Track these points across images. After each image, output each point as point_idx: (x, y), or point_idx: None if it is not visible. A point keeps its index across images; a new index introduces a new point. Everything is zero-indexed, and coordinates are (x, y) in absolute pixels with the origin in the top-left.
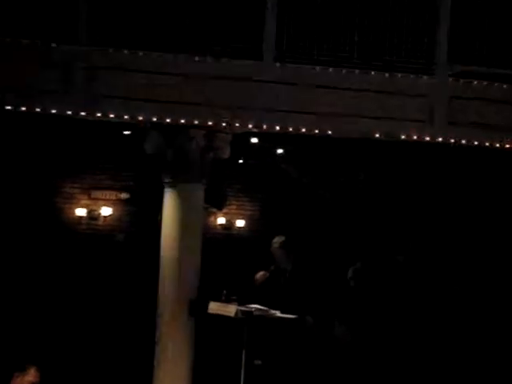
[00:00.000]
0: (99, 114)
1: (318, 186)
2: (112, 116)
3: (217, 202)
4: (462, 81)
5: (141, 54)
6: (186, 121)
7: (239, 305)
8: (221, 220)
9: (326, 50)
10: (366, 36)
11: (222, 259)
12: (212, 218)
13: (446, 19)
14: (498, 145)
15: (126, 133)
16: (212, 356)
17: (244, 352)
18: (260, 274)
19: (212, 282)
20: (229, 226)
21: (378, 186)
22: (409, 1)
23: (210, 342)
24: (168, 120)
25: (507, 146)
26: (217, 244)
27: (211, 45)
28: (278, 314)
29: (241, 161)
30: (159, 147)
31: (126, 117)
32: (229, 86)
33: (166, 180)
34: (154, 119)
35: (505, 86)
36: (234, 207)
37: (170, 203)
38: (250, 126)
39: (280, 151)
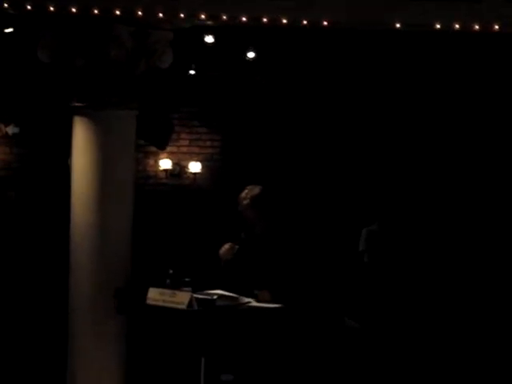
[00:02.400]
0: None
1: (311, 108)
2: None
3: (157, 137)
4: None
5: None
6: (101, 10)
7: (194, 291)
8: (165, 163)
9: None
10: None
11: (166, 223)
12: (151, 161)
13: None
14: None
15: (7, 31)
16: (156, 369)
17: (203, 361)
18: (226, 247)
19: (151, 259)
20: (177, 171)
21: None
22: None
23: (152, 350)
24: (74, 9)
25: None
26: (159, 200)
27: None
28: (254, 302)
29: (192, 71)
30: (62, 53)
31: (5, 5)
32: None
33: (75, 104)
34: (52, 8)
35: None
36: (185, 143)
37: (81, 140)
38: (203, 15)
39: (252, 55)
